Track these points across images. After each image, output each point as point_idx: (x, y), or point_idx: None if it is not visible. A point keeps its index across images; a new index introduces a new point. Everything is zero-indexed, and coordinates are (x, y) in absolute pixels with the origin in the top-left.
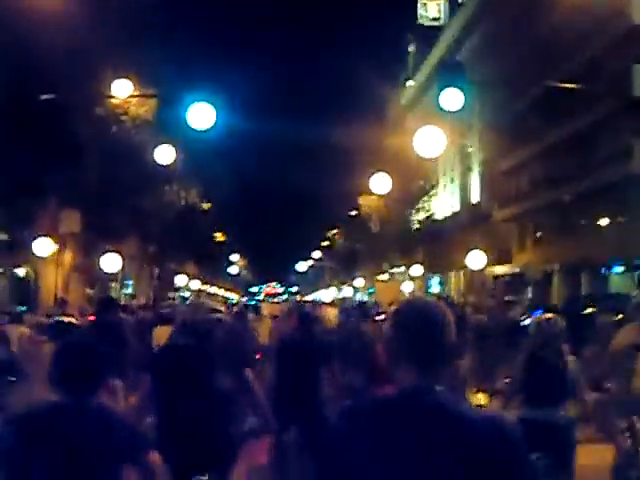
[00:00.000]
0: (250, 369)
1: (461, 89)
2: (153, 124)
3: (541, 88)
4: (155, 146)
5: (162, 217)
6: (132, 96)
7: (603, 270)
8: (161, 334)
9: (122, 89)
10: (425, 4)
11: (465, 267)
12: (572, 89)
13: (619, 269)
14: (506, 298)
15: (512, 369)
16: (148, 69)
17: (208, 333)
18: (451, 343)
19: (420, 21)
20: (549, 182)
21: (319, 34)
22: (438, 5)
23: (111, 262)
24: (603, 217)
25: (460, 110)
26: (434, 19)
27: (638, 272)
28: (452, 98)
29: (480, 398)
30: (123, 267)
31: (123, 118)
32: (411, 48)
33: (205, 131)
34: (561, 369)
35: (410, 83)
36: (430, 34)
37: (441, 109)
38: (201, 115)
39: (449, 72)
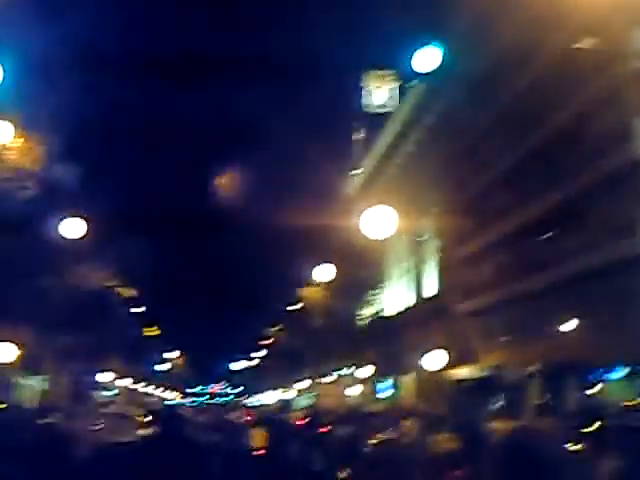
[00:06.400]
0: None
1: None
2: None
3: (508, 160)
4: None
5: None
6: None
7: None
8: None
9: None
10: (370, 92)
11: (420, 369)
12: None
13: (618, 374)
14: None
15: None
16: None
17: None
18: None
19: (366, 109)
20: (519, 270)
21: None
22: (385, 91)
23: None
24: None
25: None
26: (380, 106)
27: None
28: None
29: None
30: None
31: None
32: (358, 136)
33: None
34: None
35: (357, 171)
36: (378, 121)
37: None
38: None
39: None
